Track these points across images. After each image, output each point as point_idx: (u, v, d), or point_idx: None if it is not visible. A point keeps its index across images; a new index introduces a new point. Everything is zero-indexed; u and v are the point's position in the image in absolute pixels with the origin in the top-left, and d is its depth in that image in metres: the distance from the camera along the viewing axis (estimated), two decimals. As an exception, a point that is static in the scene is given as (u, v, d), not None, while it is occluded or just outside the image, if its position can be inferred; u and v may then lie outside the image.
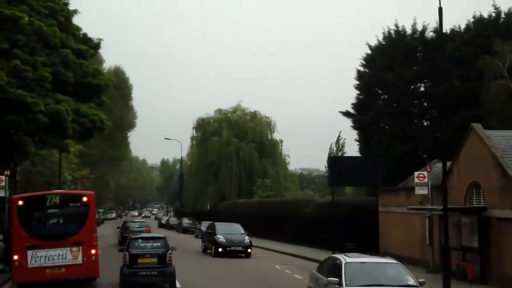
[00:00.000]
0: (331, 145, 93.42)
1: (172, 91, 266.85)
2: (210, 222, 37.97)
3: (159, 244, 17.04)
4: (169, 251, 16.92)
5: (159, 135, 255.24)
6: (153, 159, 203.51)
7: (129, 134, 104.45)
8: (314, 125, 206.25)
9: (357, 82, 39.81)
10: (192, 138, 62.19)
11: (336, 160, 36.28)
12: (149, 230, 38.17)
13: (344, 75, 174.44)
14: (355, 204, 33.23)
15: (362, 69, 39.80)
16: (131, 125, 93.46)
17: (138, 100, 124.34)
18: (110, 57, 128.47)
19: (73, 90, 27.92)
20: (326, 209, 31.97)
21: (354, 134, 42.07)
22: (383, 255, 21.51)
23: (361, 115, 38.96)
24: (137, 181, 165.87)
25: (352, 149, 54.36)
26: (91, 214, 17.06)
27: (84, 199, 17.15)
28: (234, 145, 58.82)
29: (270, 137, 62.50)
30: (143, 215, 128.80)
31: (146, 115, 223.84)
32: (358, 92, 39.76)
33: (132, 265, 16.37)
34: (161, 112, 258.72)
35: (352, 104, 40.14)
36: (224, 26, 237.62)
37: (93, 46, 31.82)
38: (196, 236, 46.12)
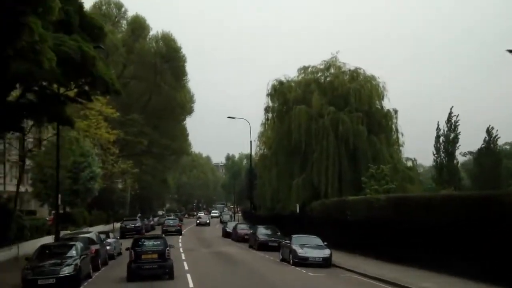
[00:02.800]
0: (438, 125, 73.38)
1: (235, 64, 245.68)
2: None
3: (158, 242, 21.09)
4: (167, 248, 20.68)
5: (220, 125, 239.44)
6: (217, 156, 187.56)
7: (185, 122, 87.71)
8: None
9: None
10: (267, 110, 43.26)
11: None
12: (180, 225, 54.08)
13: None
14: None
15: None
16: (186, 109, 75.81)
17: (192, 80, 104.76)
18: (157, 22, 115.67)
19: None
20: None
21: None
22: None
23: None
24: (201, 179, 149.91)
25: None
26: None
27: None
28: (330, 116, 39.59)
29: (379, 105, 42.75)
30: (212, 215, 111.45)
31: (202, 100, 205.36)
32: None
33: (137, 261, 20.04)
34: (221, 95, 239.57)
35: None
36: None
37: None
38: (284, 260, 27.41)
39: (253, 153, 53.10)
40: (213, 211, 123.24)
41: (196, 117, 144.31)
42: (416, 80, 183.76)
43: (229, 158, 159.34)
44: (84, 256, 20.47)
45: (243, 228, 43.43)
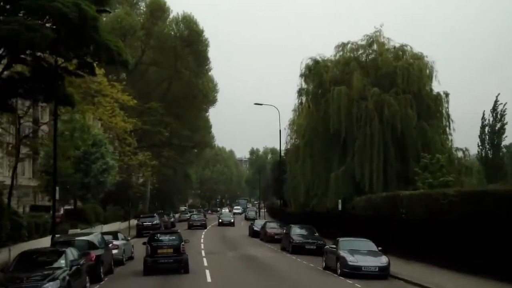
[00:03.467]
0: (483, 114, 67.17)
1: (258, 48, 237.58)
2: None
3: (174, 237, 21.47)
4: (182, 243, 20.98)
5: (242, 118, 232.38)
6: (240, 151, 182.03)
7: (208, 114, 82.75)
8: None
9: None
10: (300, 93, 37.91)
11: None
12: (205, 220, 58.22)
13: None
14: None
15: None
16: (209, 98, 70.89)
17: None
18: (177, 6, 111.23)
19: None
20: None
21: None
22: None
23: None
24: (224, 173, 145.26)
25: None
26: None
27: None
28: (374, 99, 34.30)
29: (428, 87, 37.25)
30: (234, 211, 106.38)
31: (224, 91, 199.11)
32: None
33: (153, 255, 20.51)
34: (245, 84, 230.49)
35: None
36: None
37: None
38: (328, 268, 22.36)
39: (282, 144, 48.20)
40: (235, 207, 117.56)
41: (218, 109, 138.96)
42: (457, 61, 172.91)
43: (253, 152, 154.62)
44: (77, 266, 15.76)
45: (274, 227, 38.47)
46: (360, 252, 20.93)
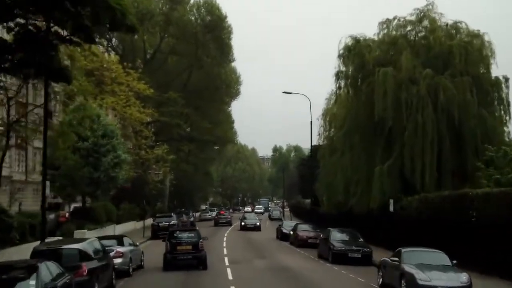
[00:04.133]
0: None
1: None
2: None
3: (192, 234, 22.08)
4: (201, 240, 21.56)
5: (264, 115, 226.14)
6: (261, 149, 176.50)
7: (230, 108, 78.21)
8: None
9: None
10: (338, 76, 32.77)
11: None
12: (230, 217, 61.95)
13: None
14: None
15: None
16: (232, 90, 66.32)
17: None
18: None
19: None
20: None
21: None
22: None
23: None
24: (246, 171, 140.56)
25: None
26: None
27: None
28: (427, 82, 29.27)
29: (487, 70, 32.04)
30: (255, 211, 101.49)
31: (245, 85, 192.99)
32: None
33: (173, 252, 21.11)
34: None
35: None
36: None
37: None
38: (387, 285, 17.53)
39: (314, 137, 43.43)
40: (257, 206, 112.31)
41: (239, 105, 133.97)
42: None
43: (276, 149, 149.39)
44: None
45: (306, 230, 33.72)
46: (432, 267, 16.12)
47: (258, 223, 49.34)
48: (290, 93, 42.07)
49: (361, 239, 25.73)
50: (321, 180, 39.36)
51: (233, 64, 65.84)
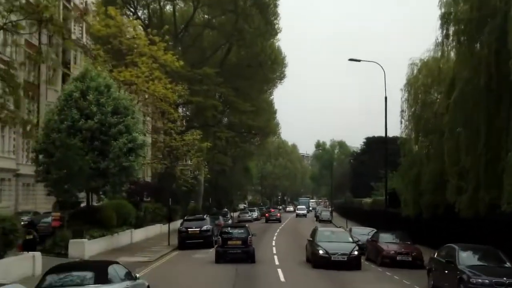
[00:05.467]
0: None
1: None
2: None
3: (242, 231, 24.09)
4: (250, 236, 23.48)
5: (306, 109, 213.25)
6: (302, 146, 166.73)
7: (272, 97, 68.61)
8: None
9: None
10: (444, 19, 22.05)
11: None
12: (280, 215, 70.16)
13: None
14: None
15: None
16: (277, 69, 56.65)
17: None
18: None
19: None
20: None
21: None
22: None
23: None
24: (287, 168, 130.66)
25: None
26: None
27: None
28: None
29: None
30: (297, 212, 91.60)
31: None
32: None
33: (224, 246, 23.26)
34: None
35: None
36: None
37: None
38: None
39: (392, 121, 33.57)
40: (298, 206, 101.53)
41: (279, 98, 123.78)
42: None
43: (319, 145, 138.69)
44: None
45: (393, 242, 23.88)
46: None
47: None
48: (359, 60, 32.34)
49: (508, 264, 15.70)
50: (403, 173, 29.39)
51: (278, 43, 56.19)
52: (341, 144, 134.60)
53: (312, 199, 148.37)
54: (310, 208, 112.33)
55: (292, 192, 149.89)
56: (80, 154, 25.09)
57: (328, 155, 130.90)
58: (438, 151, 25.20)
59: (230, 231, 24.36)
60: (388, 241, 23.81)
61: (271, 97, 68.02)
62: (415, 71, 28.68)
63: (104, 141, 26.16)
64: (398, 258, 22.16)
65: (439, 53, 24.48)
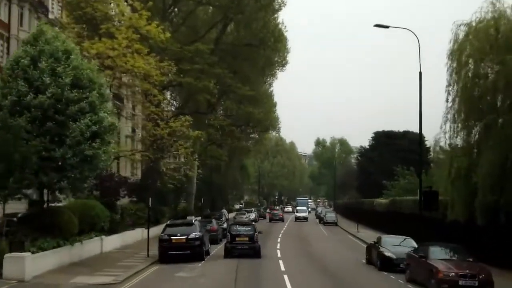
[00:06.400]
0: None
1: None
2: None
3: (249, 228, 26.10)
4: (256, 233, 25.54)
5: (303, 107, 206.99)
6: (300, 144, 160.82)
7: (272, 89, 62.56)
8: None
9: None
10: None
11: None
12: (282, 214, 71.45)
13: None
14: None
15: None
16: (280, 44, 49.54)
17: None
18: None
19: None
20: None
21: None
22: None
23: None
24: (286, 167, 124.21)
25: None
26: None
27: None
28: None
29: None
30: (296, 214, 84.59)
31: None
32: None
33: (232, 242, 25.11)
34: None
35: None
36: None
37: None
38: None
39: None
40: (298, 208, 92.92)
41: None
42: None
43: (319, 142, 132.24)
44: None
45: (449, 259, 17.43)
46: None
47: None
48: (387, 26, 25.94)
49: None
50: (449, 166, 22.94)
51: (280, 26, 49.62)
52: (342, 142, 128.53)
53: (310, 199, 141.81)
54: (309, 209, 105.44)
55: (289, 192, 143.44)
56: (26, 138, 18.72)
57: (328, 153, 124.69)
58: (497, 137, 19.04)
59: (238, 228, 26.22)
60: (442, 257, 17.39)
61: (271, 89, 62.34)
62: (461, 36, 22.35)
63: (60, 123, 19.68)
64: (461, 282, 15.78)
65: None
